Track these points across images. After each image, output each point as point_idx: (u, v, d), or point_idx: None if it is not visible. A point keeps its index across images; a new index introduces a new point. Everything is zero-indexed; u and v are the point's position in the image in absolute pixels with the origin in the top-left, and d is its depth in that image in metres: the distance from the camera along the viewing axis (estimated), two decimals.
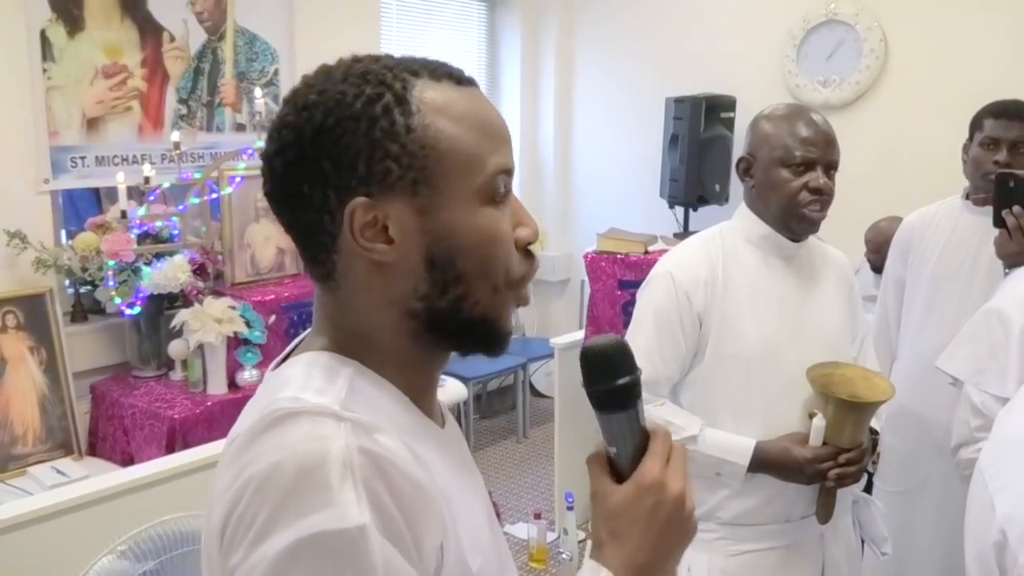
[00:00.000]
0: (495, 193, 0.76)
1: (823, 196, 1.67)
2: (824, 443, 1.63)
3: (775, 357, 1.69)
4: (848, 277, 1.88)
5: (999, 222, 2.08)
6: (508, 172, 0.78)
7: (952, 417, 1.78)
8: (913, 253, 2.57)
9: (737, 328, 1.69)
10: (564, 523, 3.56)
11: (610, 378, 0.78)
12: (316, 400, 0.70)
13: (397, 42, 5.04)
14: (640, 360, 1.65)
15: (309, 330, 0.84)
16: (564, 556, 3.42)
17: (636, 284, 3.10)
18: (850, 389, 1.66)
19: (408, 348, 0.78)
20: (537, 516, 3.63)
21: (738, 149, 5.10)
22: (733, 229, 1.79)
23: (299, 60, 4.28)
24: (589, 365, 0.79)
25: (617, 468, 0.81)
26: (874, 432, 1.80)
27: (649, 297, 1.75)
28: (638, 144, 5.35)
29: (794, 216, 1.69)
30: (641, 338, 1.73)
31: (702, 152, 4.68)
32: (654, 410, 1.70)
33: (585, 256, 4.04)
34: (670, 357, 1.72)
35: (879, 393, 1.65)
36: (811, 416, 1.66)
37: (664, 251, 3.24)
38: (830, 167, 1.68)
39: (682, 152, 4.71)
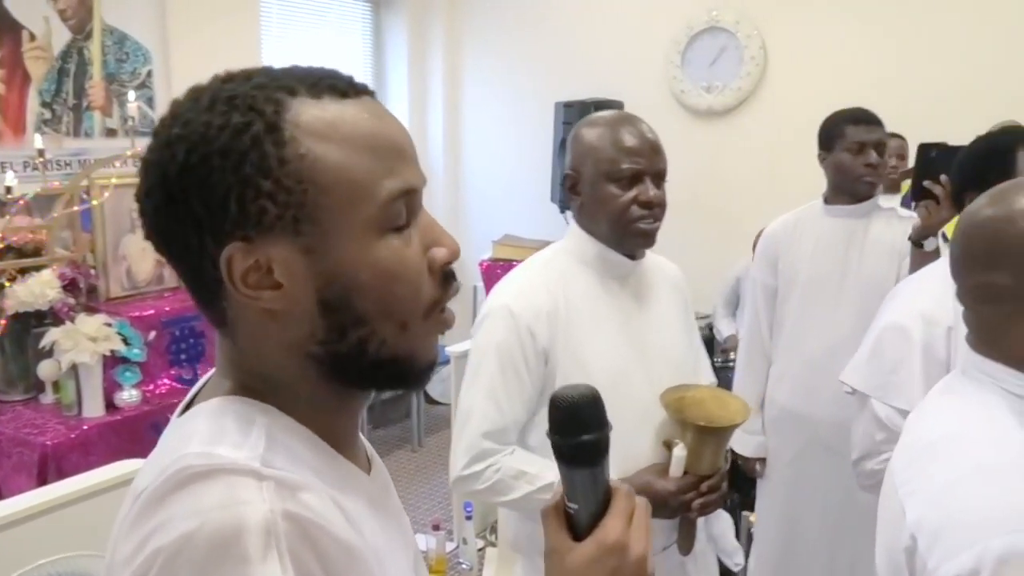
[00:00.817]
0: (394, 220, 0.69)
1: (654, 208, 1.57)
2: (684, 472, 1.56)
3: (624, 386, 1.57)
4: (682, 289, 1.81)
5: (920, 195, 2.18)
6: (411, 192, 0.71)
7: (854, 428, 1.80)
8: (782, 261, 2.63)
9: (584, 359, 1.57)
10: (463, 533, 3.51)
11: (579, 432, 0.73)
12: (232, 456, 0.63)
13: (278, 41, 4.88)
14: (486, 406, 1.56)
15: (212, 372, 0.77)
16: (464, 566, 3.38)
17: None
18: (703, 411, 1.59)
19: (319, 391, 0.72)
20: (436, 527, 3.57)
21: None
22: (566, 251, 1.66)
23: (174, 61, 4.08)
24: (559, 416, 0.74)
25: (575, 524, 0.75)
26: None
27: (488, 335, 1.58)
28: (529, 148, 5.36)
29: (627, 232, 1.58)
30: (483, 380, 1.59)
31: None
32: (504, 460, 1.58)
33: (481, 264, 4.01)
34: (516, 399, 1.57)
35: (734, 414, 1.58)
36: (667, 445, 1.58)
37: None
38: (659, 177, 1.59)
39: None
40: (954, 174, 1.76)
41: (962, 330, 1.64)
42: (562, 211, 4.95)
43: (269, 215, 0.66)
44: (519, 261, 3.94)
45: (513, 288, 1.63)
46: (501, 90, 5.54)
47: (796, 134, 4.70)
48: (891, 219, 2.57)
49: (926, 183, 2.17)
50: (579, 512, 0.74)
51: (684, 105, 4.87)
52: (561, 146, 4.79)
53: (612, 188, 1.56)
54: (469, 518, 3.45)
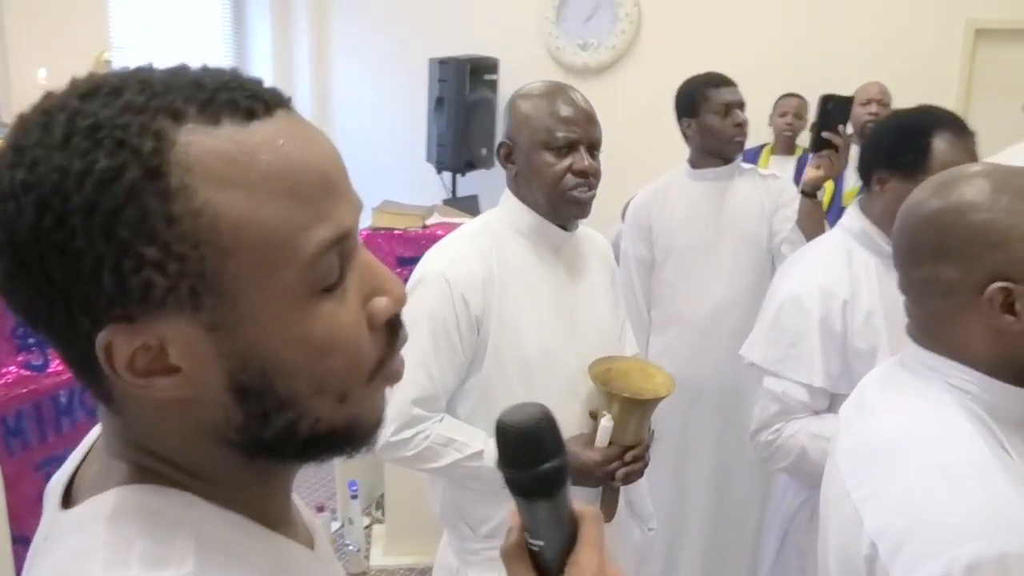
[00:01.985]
0: (325, 279, 0.54)
1: (589, 178, 1.58)
2: (609, 442, 1.59)
3: (554, 356, 1.60)
4: (610, 261, 1.83)
5: (820, 145, 2.23)
6: (344, 238, 0.55)
7: (755, 402, 1.80)
8: (655, 230, 2.63)
9: (516, 329, 1.57)
10: (348, 513, 3.39)
11: (537, 461, 0.63)
12: None
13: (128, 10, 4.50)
14: (417, 373, 1.52)
15: (96, 441, 0.60)
16: (351, 547, 3.26)
17: (415, 260, 2.96)
18: (628, 382, 1.62)
19: (244, 473, 0.59)
20: (320, 509, 3.44)
21: (502, 112, 5.10)
22: (500, 220, 1.65)
23: (11, 51, 3.66)
24: (511, 445, 0.64)
25: (543, 563, 0.66)
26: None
27: (421, 302, 1.56)
28: (403, 108, 5.18)
29: (562, 200, 1.58)
30: (415, 348, 1.55)
31: (468, 115, 4.60)
32: (433, 427, 1.58)
33: (361, 233, 3.86)
34: (447, 367, 1.57)
35: (659, 386, 1.62)
36: (593, 416, 1.61)
37: (444, 224, 3.11)
38: (593, 146, 1.59)
39: (449, 116, 4.60)
40: (865, 148, 1.74)
41: (859, 304, 1.65)
42: (439, 172, 4.82)
43: (157, 289, 0.50)
44: (401, 230, 3.81)
45: (447, 255, 1.62)
46: (372, 46, 5.32)
47: (671, 93, 4.71)
48: (754, 178, 2.62)
49: (825, 133, 2.22)
50: (545, 549, 0.66)
51: (560, 62, 4.81)
52: (437, 105, 4.64)
53: (547, 156, 1.57)
54: (354, 497, 3.33)
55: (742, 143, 2.57)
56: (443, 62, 4.60)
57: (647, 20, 4.61)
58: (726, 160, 2.58)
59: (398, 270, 3.69)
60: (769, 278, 2.61)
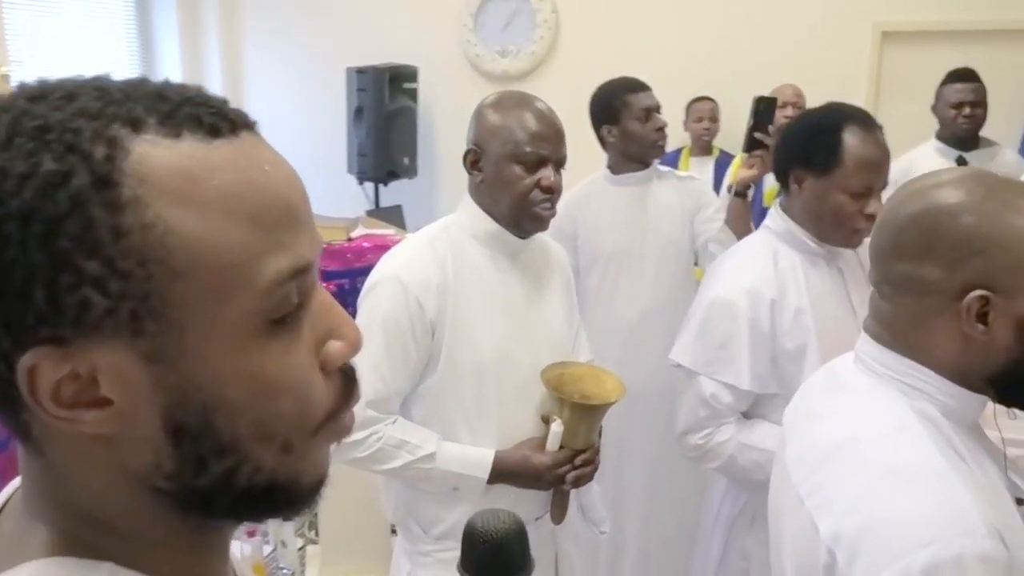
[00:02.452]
0: (279, 311, 0.50)
1: (553, 194, 1.61)
2: (560, 446, 1.62)
3: (508, 362, 1.62)
4: (566, 270, 1.85)
5: (753, 145, 2.29)
6: (303, 271, 0.51)
7: (679, 403, 1.81)
8: (581, 237, 2.64)
9: (471, 334, 1.59)
10: (281, 535, 3.29)
11: (506, 572, 0.61)
12: None
13: (23, 20, 4.29)
14: (371, 375, 1.52)
15: (14, 495, 0.54)
16: (285, 571, 3.16)
17: (340, 275, 2.89)
18: (580, 388, 1.65)
19: (173, 531, 0.54)
20: (251, 533, 3.32)
21: (424, 120, 5.08)
22: (458, 225, 1.67)
23: None
24: (476, 552, 0.61)
25: None
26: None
27: (376, 305, 1.58)
28: (322, 118, 5.07)
29: (526, 215, 1.61)
30: (369, 351, 1.55)
31: (388, 124, 4.53)
32: (386, 429, 1.58)
33: None
34: (401, 370, 1.59)
35: (610, 392, 1.65)
36: (545, 420, 1.63)
37: (369, 236, 3.05)
38: (560, 164, 1.63)
39: (368, 125, 4.53)
40: (779, 150, 1.77)
41: (787, 303, 1.67)
42: (360, 182, 4.73)
43: (95, 309, 0.46)
44: (326, 243, 3.73)
45: (402, 258, 1.63)
46: (286, 58, 5.20)
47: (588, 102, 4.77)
48: (671, 181, 2.66)
49: (757, 134, 2.29)
50: None
51: (479, 70, 4.79)
52: (357, 114, 4.56)
53: (517, 169, 1.59)
54: (287, 519, 3.24)
55: (663, 147, 2.61)
56: (361, 71, 4.53)
57: (565, 26, 4.62)
58: (646, 164, 2.61)
59: (323, 284, 3.59)
60: (693, 280, 2.67)
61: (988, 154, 3.48)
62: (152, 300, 0.46)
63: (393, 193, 4.78)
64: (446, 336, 1.58)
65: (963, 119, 3.42)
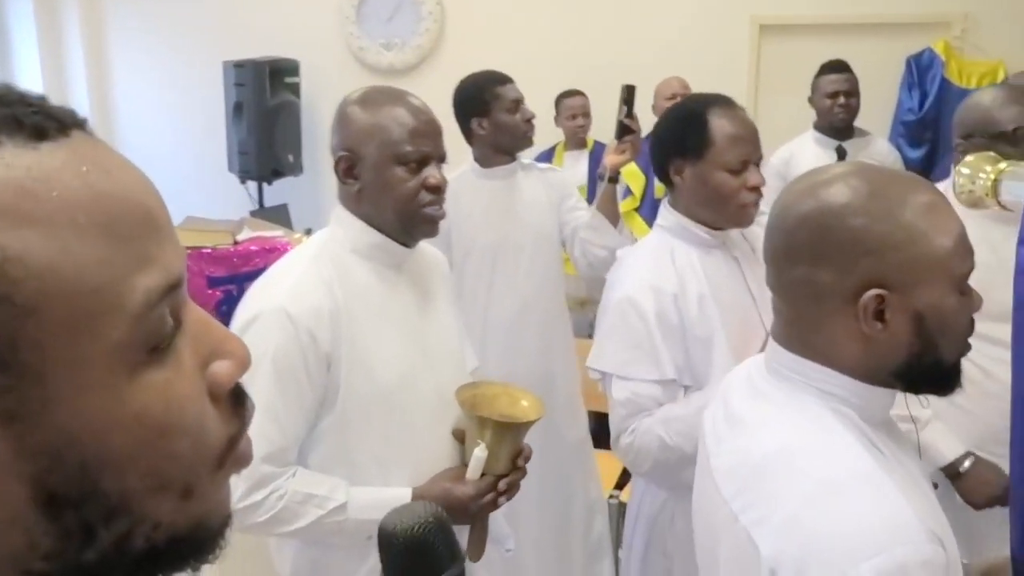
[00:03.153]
0: (155, 338, 0.43)
1: (442, 193, 1.50)
2: (482, 473, 1.50)
3: (411, 386, 1.48)
4: (448, 276, 1.75)
5: (623, 131, 2.41)
6: (176, 286, 0.44)
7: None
8: (454, 232, 2.59)
9: (369, 362, 1.44)
10: None
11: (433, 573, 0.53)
12: None
13: None
14: (264, 425, 1.35)
15: None
16: None
17: (227, 280, 2.74)
18: (495, 408, 1.53)
19: None
20: None
21: (308, 115, 4.92)
22: (336, 241, 1.51)
23: None
24: (395, 558, 0.54)
25: None
26: None
27: (261, 342, 1.39)
28: (198, 116, 4.84)
29: (415, 218, 1.48)
30: (259, 396, 1.33)
31: (271, 121, 4.37)
32: (287, 483, 1.41)
33: None
34: (298, 414, 1.43)
35: (529, 410, 1.55)
36: (460, 438, 1.53)
37: (257, 239, 2.90)
38: (442, 159, 1.52)
39: (249, 121, 4.35)
40: (654, 148, 1.80)
41: (689, 295, 1.68)
42: (243, 182, 4.55)
43: None
44: (211, 248, 3.55)
45: (285, 286, 1.45)
46: (157, 51, 4.94)
47: None
48: (535, 173, 2.67)
49: (626, 120, 2.39)
50: None
51: (364, 64, 4.67)
52: (236, 111, 4.38)
53: (399, 171, 1.46)
54: (195, 570, 3.07)
55: (531, 137, 2.63)
56: (239, 65, 4.34)
57: (451, 19, 4.56)
58: (513, 157, 2.62)
59: (209, 292, 3.43)
60: (563, 270, 2.71)
61: (862, 143, 3.61)
62: None
63: (278, 192, 4.61)
64: (343, 367, 1.42)
65: (838, 108, 3.54)
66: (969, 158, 1.21)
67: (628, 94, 2.40)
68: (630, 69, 4.23)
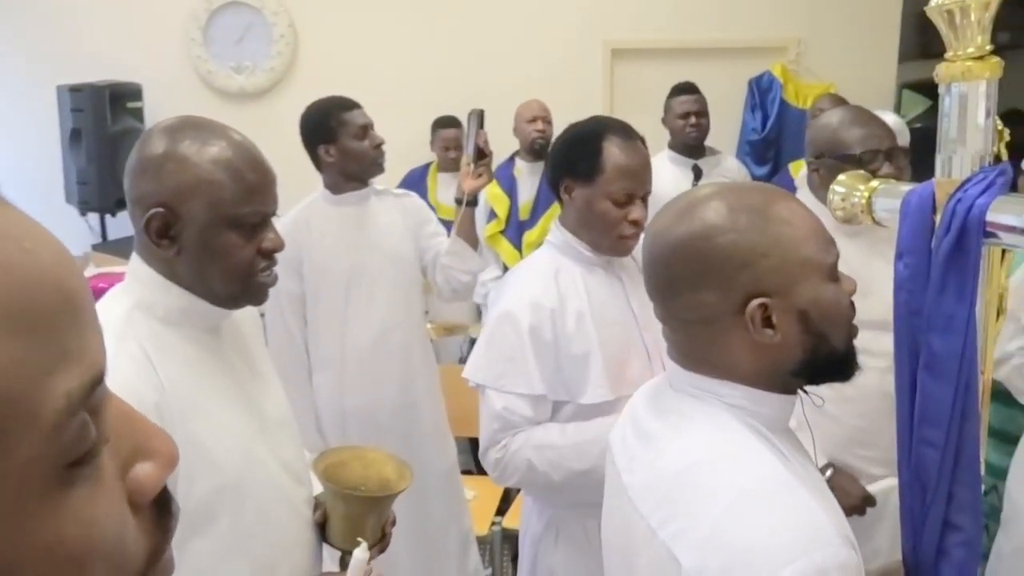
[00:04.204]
0: (78, 451, 0.36)
1: (274, 259, 1.30)
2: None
3: (255, 464, 1.27)
4: (260, 325, 1.54)
5: (478, 156, 2.43)
6: (98, 382, 0.38)
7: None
8: (305, 263, 2.53)
9: (206, 447, 1.20)
10: None
11: None
12: None
13: None
14: None
15: None
16: None
17: None
18: (349, 475, 1.41)
19: None
20: None
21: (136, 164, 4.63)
22: (142, 309, 1.24)
23: None
24: None
25: None
26: None
27: None
28: (29, 144, 4.49)
29: (247, 288, 1.28)
30: None
31: (113, 149, 4.10)
32: None
33: None
34: None
35: (397, 477, 1.43)
36: (317, 517, 1.38)
37: (104, 275, 2.71)
38: (275, 214, 1.32)
39: (89, 149, 4.08)
40: (549, 163, 1.83)
41: (568, 312, 1.70)
42: (83, 214, 4.26)
43: None
44: None
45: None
46: None
47: None
48: (388, 199, 2.64)
49: (480, 144, 2.42)
50: None
51: (212, 87, 4.48)
52: (73, 138, 4.10)
53: (234, 237, 1.22)
54: None
55: (382, 164, 2.58)
56: (76, 89, 4.06)
57: (304, 41, 4.45)
58: (365, 183, 2.57)
59: None
60: (422, 296, 2.69)
61: (714, 161, 3.77)
62: None
63: (123, 224, 4.34)
64: (182, 463, 1.11)
65: (690, 128, 3.69)
66: (842, 177, 1.26)
67: (480, 118, 2.42)
68: (488, 92, 4.26)
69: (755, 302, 0.95)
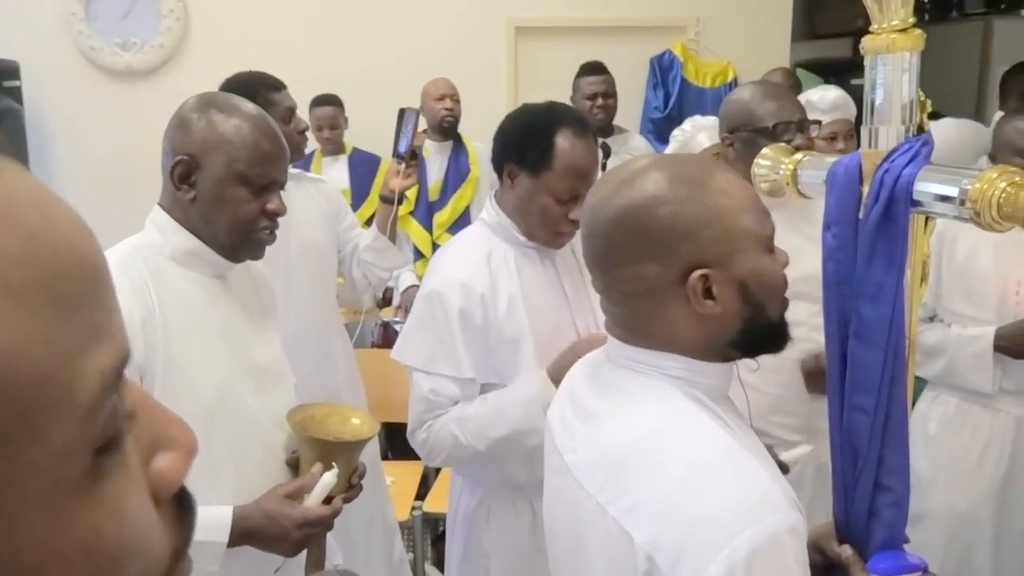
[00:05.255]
0: (108, 434, 0.32)
1: (276, 222, 1.46)
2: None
3: (236, 402, 1.41)
4: (271, 289, 1.67)
5: (412, 156, 2.37)
6: (125, 363, 0.34)
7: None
8: None
9: (188, 374, 1.36)
10: None
11: None
12: None
13: None
14: None
15: None
16: None
17: None
18: (328, 429, 1.51)
19: None
20: None
21: (33, 123, 4.39)
22: (151, 247, 1.42)
23: None
24: None
25: None
26: None
27: None
28: None
29: (247, 241, 1.44)
30: None
31: None
32: None
33: None
34: None
35: (362, 427, 1.55)
36: (293, 466, 1.47)
37: None
38: (283, 187, 1.48)
39: None
40: (496, 142, 1.76)
41: (499, 296, 1.68)
42: None
43: None
44: None
45: None
46: None
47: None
48: (304, 184, 2.56)
49: (414, 146, 2.36)
50: None
51: (97, 65, 4.23)
52: None
53: (242, 192, 1.41)
54: None
55: (304, 150, 2.51)
56: None
57: (195, 17, 4.26)
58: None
59: None
60: (335, 284, 2.62)
61: (621, 140, 3.81)
62: None
63: None
64: (158, 380, 1.33)
65: (597, 109, 3.70)
66: (766, 150, 1.27)
67: (415, 118, 2.35)
68: (389, 72, 4.18)
69: (696, 273, 0.95)
